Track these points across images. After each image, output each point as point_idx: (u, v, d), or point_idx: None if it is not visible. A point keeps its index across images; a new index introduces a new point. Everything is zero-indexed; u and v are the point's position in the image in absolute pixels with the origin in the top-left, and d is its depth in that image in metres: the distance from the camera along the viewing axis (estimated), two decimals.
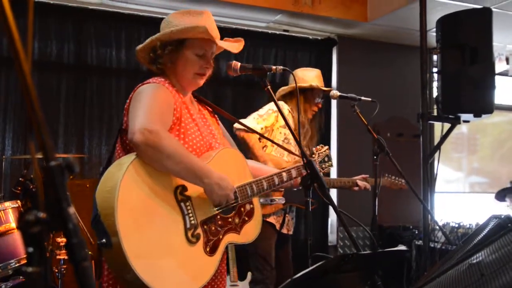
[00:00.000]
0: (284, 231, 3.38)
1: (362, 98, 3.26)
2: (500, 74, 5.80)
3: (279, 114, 3.28)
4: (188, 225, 1.75)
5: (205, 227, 1.82)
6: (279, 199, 3.23)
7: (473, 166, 6.67)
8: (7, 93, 4.25)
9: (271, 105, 3.35)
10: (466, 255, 1.50)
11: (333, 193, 5.17)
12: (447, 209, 5.74)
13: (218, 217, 1.88)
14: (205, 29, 1.88)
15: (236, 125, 3.23)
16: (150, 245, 1.64)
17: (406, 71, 5.38)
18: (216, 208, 1.86)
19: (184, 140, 1.87)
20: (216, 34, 1.96)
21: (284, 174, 2.14)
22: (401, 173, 2.97)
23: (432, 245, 4.03)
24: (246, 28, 5.05)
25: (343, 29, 5.24)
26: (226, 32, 4.98)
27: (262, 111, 3.35)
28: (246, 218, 2.01)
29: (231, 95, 5.00)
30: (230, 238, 1.92)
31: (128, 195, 1.62)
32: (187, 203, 1.78)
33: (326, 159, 2.37)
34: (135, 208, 1.63)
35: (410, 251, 4.44)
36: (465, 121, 3.99)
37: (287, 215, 3.37)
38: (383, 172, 3.59)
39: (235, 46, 2.07)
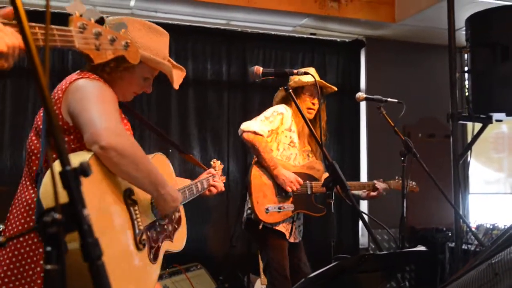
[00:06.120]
0: (291, 240, 3.21)
1: (388, 99, 3.23)
2: None
3: (284, 117, 3.22)
4: (137, 230, 1.69)
5: (148, 233, 1.77)
6: (288, 206, 3.11)
7: None
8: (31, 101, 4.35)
9: (277, 107, 3.26)
10: (489, 255, 1.49)
11: None
12: (486, 210, 5.60)
13: (157, 223, 1.86)
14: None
15: (244, 127, 3.14)
16: (104, 248, 1.54)
17: (436, 71, 5.29)
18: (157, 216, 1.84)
19: None
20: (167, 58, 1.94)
21: (199, 184, 2.20)
22: (429, 174, 2.94)
23: (465, 247, 3.96)
24: (273, 32, 5.08)
25: (371, 30, 5.21)
26: (253, 37, 5.05)
27: (268, 113, 3.22)
28: (176, 226, 2.01)
29: (258, 99, 5.01)
30: (166, 245, 1.89)
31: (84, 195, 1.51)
32: (135, 208, 1.71)
33: (221, 172, 2.49)
34: (91, 210, 1.50)
35: (444, 254, 4.37)
36: (497, 121, 3.92)
37: (294, 223, 3.21)
38: (396, 176, 3.51)
39: (179, 81, 2.00)
